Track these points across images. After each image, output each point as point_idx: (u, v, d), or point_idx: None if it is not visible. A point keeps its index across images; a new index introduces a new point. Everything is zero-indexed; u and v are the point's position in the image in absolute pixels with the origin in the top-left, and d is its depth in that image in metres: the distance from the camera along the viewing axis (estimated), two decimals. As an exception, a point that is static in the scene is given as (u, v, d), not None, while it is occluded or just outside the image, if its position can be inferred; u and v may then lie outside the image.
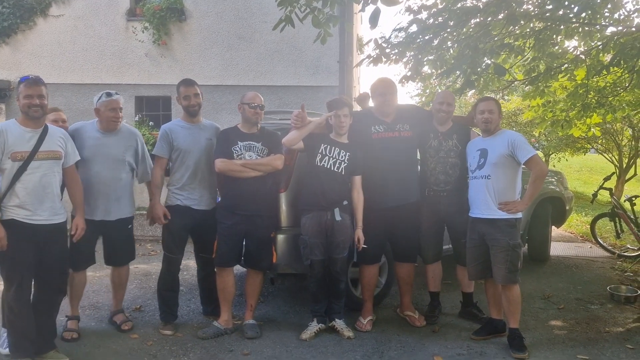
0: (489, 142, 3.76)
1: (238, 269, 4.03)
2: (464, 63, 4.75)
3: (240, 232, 3.81)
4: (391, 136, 3.99)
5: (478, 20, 5.14)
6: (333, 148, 3.83)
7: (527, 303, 4.49)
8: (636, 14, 5.97)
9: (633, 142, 13.34)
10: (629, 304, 4.64)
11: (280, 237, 4.01)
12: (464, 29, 5.57)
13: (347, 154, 3.84)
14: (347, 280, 4.14)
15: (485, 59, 5.63)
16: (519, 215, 3.67)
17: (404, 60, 5.70)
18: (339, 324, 3.88)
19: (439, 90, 6.82)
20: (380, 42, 5.57)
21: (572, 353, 3.60)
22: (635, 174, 13.28)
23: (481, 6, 5.02)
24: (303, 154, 3.96)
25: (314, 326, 3.88)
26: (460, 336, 3.89)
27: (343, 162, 3.82)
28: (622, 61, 5.02)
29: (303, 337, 3.80)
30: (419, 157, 4.21)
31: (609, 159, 14.29)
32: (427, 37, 5.57)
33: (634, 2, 6.82)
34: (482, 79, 6.19)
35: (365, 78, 29.07)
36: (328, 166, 3.79)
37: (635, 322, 4.23)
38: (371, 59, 5.74)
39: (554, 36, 5.90)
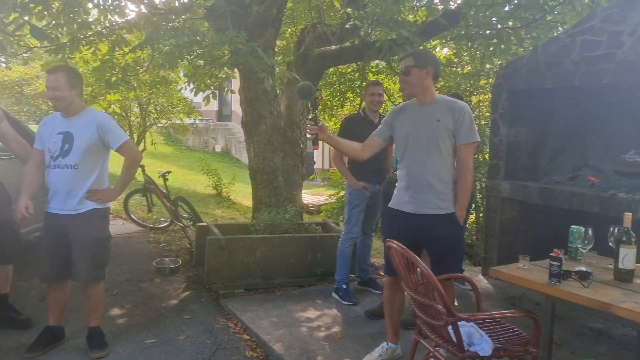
0: (73, 124, 3.13)
1: None
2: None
3: None
4: None
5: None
6: None
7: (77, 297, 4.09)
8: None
9: (141, 119, 14.38)
10: (174, 275, 4.93)
11: None
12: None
13: None
14: None
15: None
16: (109, 204, 3.28)
17: None
18: None
19: None
20: None
21: (139, 340, 3.49)
22: (144, 149, 14.37)
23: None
24: None
25: None
26: (7, 358, 3.15)
27: None
28: (154, 41, 5.15)
29: None
30: None
31: (121, 134, 14.89)
32: None
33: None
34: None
35: None
36: None
37: (184, 291, 4.53)
38: None
39: (84, 3, 5.49)
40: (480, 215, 7.69)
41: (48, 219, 3.19)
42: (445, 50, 9.33)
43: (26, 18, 5.02)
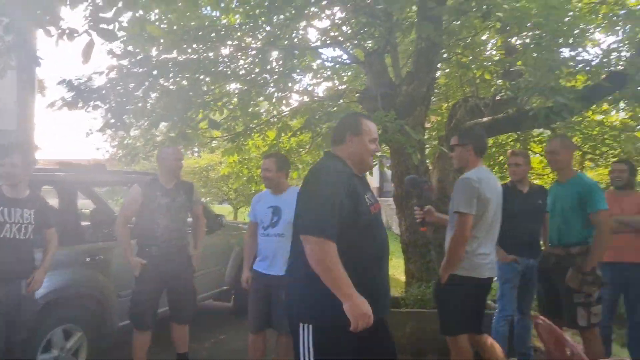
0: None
1: None
2: (176, 115, 4.60)
3: None
4: None
5: (188, 75, 5.10)
6: (13, 210, 3.08)
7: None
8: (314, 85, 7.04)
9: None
10: None
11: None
12: (172, 81, 5.46)
13: (32, 211, 3.16)
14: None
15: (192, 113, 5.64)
16: None
17: (106, 107, 5.18)
18: None
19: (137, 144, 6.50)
20: (77, 84, 4.93)
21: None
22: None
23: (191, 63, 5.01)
24: None
25: None
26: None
27: (30, 225, 3.13)
28: (312, 125, 5.71)
29: None
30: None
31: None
32: (131, 85, 5.24)
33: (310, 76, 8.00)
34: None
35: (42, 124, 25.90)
36: (12, 236, 3.04)
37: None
38: (64, 102, 5.04)
39: (256, 98, 6.34)
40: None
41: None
42: (623, 114, 8.52)
43: (207, 113, 5.94)
